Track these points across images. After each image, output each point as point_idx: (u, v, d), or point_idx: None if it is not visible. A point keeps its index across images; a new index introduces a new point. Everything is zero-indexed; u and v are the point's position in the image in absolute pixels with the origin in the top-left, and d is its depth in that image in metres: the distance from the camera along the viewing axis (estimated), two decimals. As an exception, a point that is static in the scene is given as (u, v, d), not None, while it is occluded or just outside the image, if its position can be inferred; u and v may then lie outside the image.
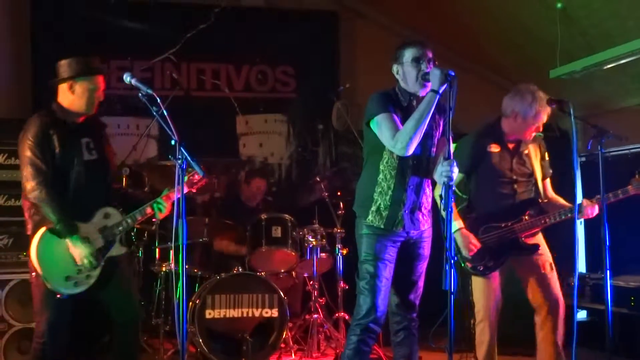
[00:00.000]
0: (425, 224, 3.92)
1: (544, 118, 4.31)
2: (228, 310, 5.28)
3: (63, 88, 3.99)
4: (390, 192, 3.80)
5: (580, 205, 4.24)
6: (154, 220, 4.37)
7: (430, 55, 3.78)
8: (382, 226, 3.80)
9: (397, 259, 3.85)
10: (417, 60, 3.76)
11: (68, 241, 3.83)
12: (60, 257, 3.85)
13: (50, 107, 4.01)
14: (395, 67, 3.87)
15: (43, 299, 3.89)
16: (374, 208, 3.82)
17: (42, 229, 3.85)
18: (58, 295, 3.84)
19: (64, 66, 4.00)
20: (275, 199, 6.93)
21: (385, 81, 4.02)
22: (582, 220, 5.44)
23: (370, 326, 3.80)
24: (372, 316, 3.78)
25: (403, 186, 3.80)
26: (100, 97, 4.04)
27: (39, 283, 3.86)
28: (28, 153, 3.84)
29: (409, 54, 3.79)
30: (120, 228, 4.02)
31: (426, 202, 3.91)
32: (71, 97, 3.98)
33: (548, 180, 4.54)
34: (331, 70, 7.52)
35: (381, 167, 3.82)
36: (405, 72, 3.81)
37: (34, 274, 3.87)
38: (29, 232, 3.94)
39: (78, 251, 3.84)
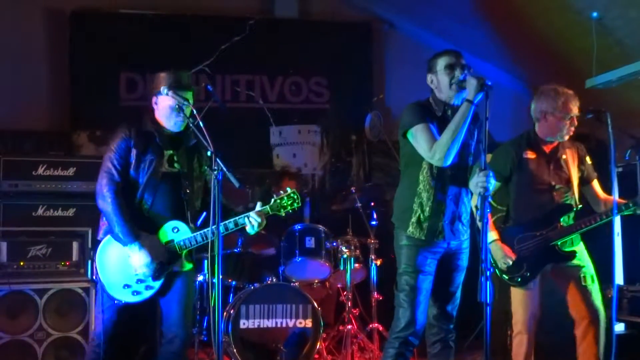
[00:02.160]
0: (465, 234, 3.89)
1: (573, 109, 4.24)
2: (262, 321, 5.30)
3: (154, 100, 4.01)
4: (430, 203, 3.77)
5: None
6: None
7: (464, 62, 3.77)
8: (422, 238, 3.77)
9: (436, 270, 3.82)
10: (450, 67, 3.76)
11: (128, 249, 3.83)
12: (120, 264, 3.87)
13: (144, 116, 4.04)
14: (429, 77, 3.87)
15: (102, 303, 3.93)
16: (413, 219, 3.79)
17: (108, 236, 3.90)
18: (115, 302, 3.88)
19: (155, 79, 3.98)
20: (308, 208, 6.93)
21: (419, 92, 4.02)
22: (620, 231, 5.37)
23: (409, 339, 3.78)
24: (411, 329, 3.76)
25: (442, 197, 3.77)
26: (186, 116, 3.90)
27: (100, 287, 3.92)
28: (106, 162, 3.89)
29: (442, 62, 3.79)
30: (188, 244, 3.94)
31: (465, 212, 3.88)
32: (157, 110, 4.00)
33: (596, 182, 4.45)
34: (364, 81, 7.53)
35: (420, 178, 3.79)
36: (439, 81, 3.81)
37: (94, 277, 3.93)
38: (98, 238, 3.99)
39: (136, 259, 3.82)
